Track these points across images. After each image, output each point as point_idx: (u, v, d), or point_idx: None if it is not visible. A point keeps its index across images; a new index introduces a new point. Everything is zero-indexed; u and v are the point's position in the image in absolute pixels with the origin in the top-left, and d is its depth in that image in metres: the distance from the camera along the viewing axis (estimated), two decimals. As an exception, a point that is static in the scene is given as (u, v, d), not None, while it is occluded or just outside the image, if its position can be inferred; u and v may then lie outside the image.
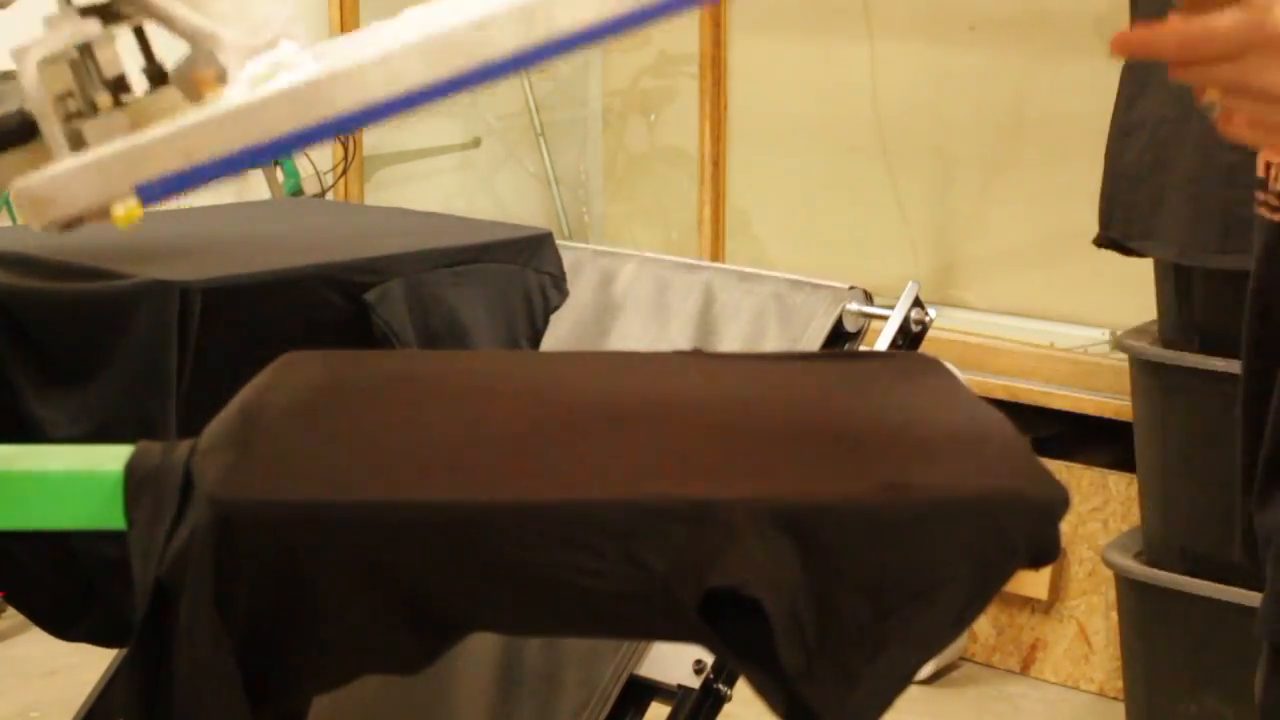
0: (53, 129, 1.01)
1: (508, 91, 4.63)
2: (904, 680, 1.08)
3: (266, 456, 1.10)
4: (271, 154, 0.94)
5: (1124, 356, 2.93)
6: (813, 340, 2.02)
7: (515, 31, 0.94)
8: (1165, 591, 2.79)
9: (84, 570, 1.30)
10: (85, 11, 1.01)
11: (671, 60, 4.54)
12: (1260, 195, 1.18)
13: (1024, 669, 3.41)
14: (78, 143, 1.02)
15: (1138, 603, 2.87)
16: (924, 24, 3.93)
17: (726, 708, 1.96)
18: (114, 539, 1.02)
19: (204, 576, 1.03)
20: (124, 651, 1.54)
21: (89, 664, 2.39)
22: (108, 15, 1.02)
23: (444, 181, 4.66)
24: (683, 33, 4.36)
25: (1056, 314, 3.70)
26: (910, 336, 1.93)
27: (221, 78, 1.02)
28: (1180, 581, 2.77)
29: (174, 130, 0.92)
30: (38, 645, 3.34)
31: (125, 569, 1.06)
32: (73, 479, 1.06)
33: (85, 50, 1.03)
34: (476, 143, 4.68)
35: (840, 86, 4.07)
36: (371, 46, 1.02)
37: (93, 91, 1.03)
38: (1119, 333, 3.02)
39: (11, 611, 3.06)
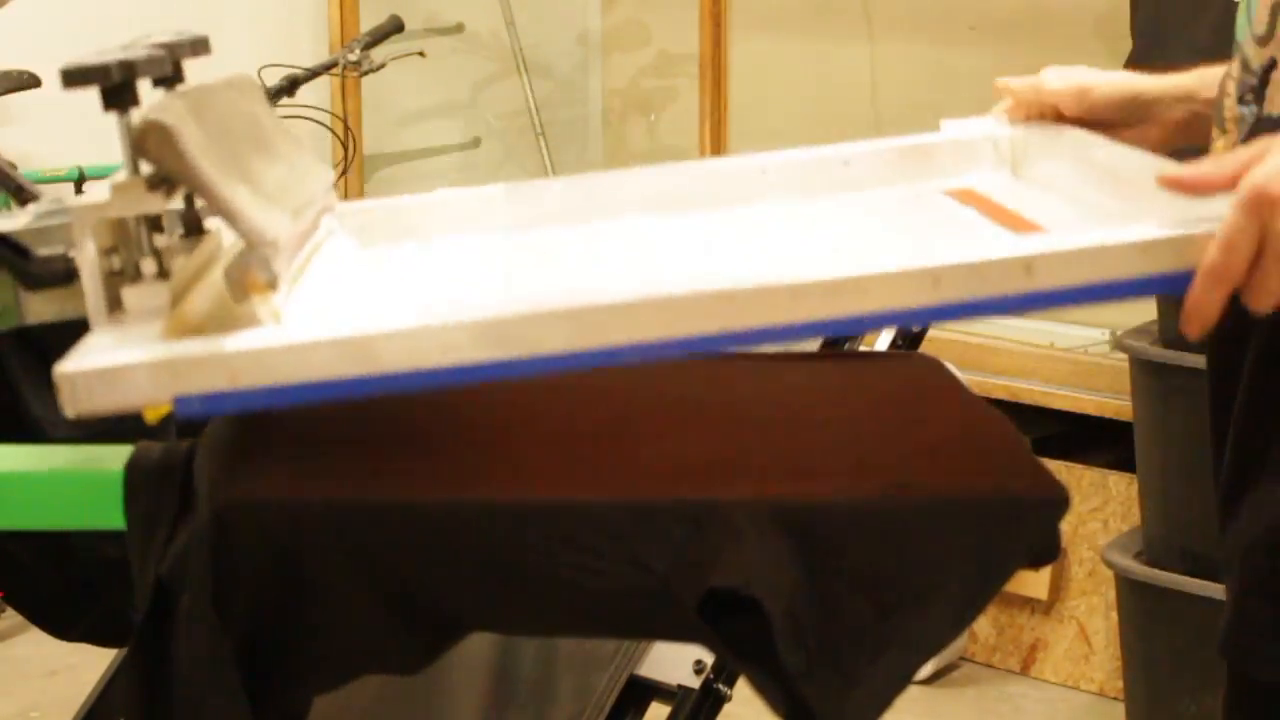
0: (93, 287, 1.03)
1: (508, 91, 4.63)
2: (904, 680, 1.08)
3: (266, 456, 1.10)
4: (311, 395, 0.94)
5: (1124, 356, 2.93)
6: (812, 340, 2.02)
7: (567, 334, 0.94)
8: (1165, 591, 2.79)
9: (84, 570, 1.30)
10: (153, 184, 1.03)
11: (671, 60, 4.53)
12: None
13: (1024, 669, 3.41)
14: (114, 304, 1.04)
15: (1138, 603, 2.87)
16: (924, 24, 3.92)
17: (726, 708, 1.96)
18: (114, 539, 1.02)
19: (204, 576, 1.03)
20: (124, 651, 1.54)
21: (89, 664, 2.39)
22: (169, 187, 1.04)
23: (444, 181, 4.65)
24: (682, 33, 4.36)
25: (1056, 314, 3.70)
26: (910, 336, 1.92)
27: (273, 284, 1.03)
28: (1180, 581, 2.76)
29: (224, 351, 0.93)
30: (38, 645, 3.34)
31: (125, 569, 1.06)
32: (73, 479, 1.06)
33: (141, 218, 1.05)
34: (476, 143, 4.68)
35: (840, 86, 4.07)
36: (427, 289, 1.03)
37: (138, 255, 1.05)
38: (1119, 333, 3.02)
39: (11, 611, 3.06)
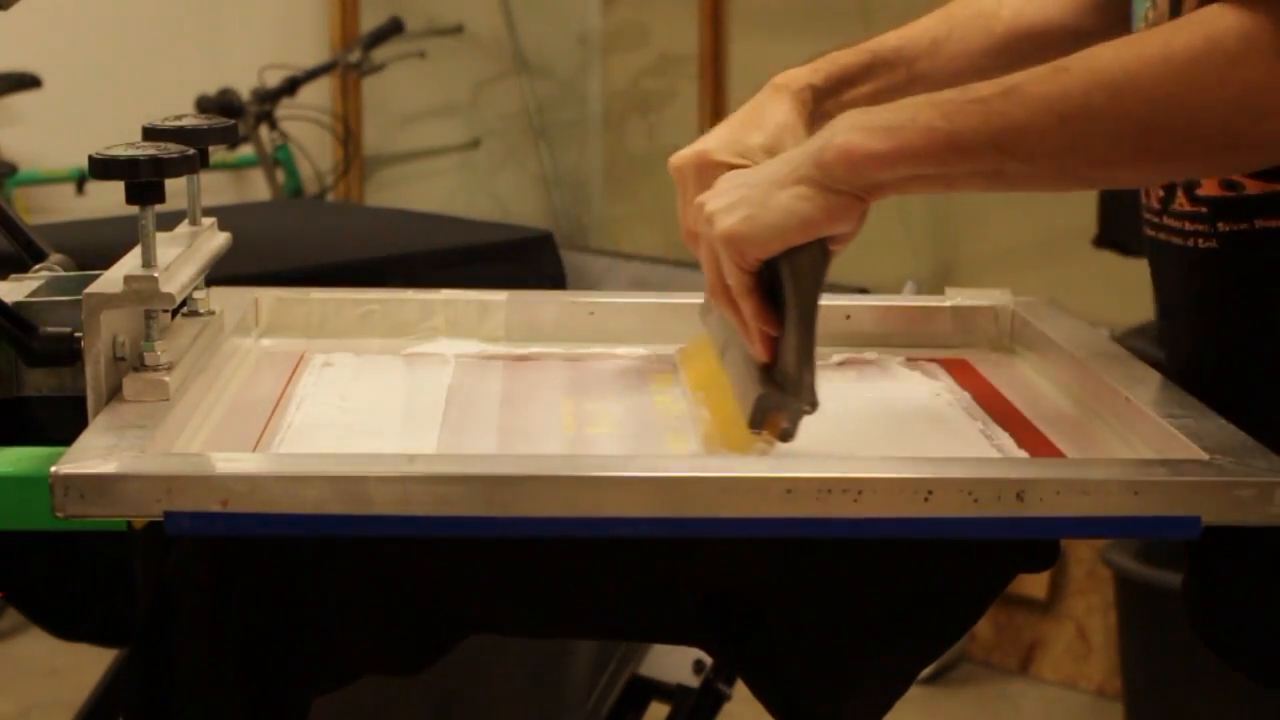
0: (96, 377, 1.05)
1: (508, 92, 4.63)
2: (903, 685, 1.08)
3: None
4: (301, 527, 0.95)
5: (1123, 357, 2.93)
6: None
7: (563, 501, 0.95)
8: (1164, 591, 2.78)
9: (84, 570, 1.30)
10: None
11: (671, 61, 4.54)
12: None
13: (1023, 669, 3.41)
14: (113, 391, 1.06)
15: (1137, 602, 2.87)
16: (923, 24, 3.92)
17: (726, 708, 1.96)
18: (114, 539, 1.02)
19: (205, 577, 1.03)
20: (124, 651, 1.54)
21: (89, 664, 2.39)
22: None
23: (444, 182, 4.66)
24: (682, 33, 4.37)
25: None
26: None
27: (786, 439, 1.06)
28: (1179, 581, 2.76)
29: (219, 474, 0.94)
30: (38, 645, 3.34)
31: (125, 569, 1.06)
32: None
33: (151, 313, 1.07)
34: (476, 143, 4.68)
35: (840, 87, 4.07)
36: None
37: (142, 344, 1.07)
38: (1118, 333, 3.02)
39: (12, 611, 3.06)
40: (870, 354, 1.33)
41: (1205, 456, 1.00)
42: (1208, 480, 0.97)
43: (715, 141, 1.19)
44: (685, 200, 1.17)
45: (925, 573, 1.04)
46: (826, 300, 1.37)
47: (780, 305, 1.08)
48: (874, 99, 1.24)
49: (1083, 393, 1.19)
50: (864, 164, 1.03)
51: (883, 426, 1.18)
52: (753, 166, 1.13)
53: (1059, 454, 1.10)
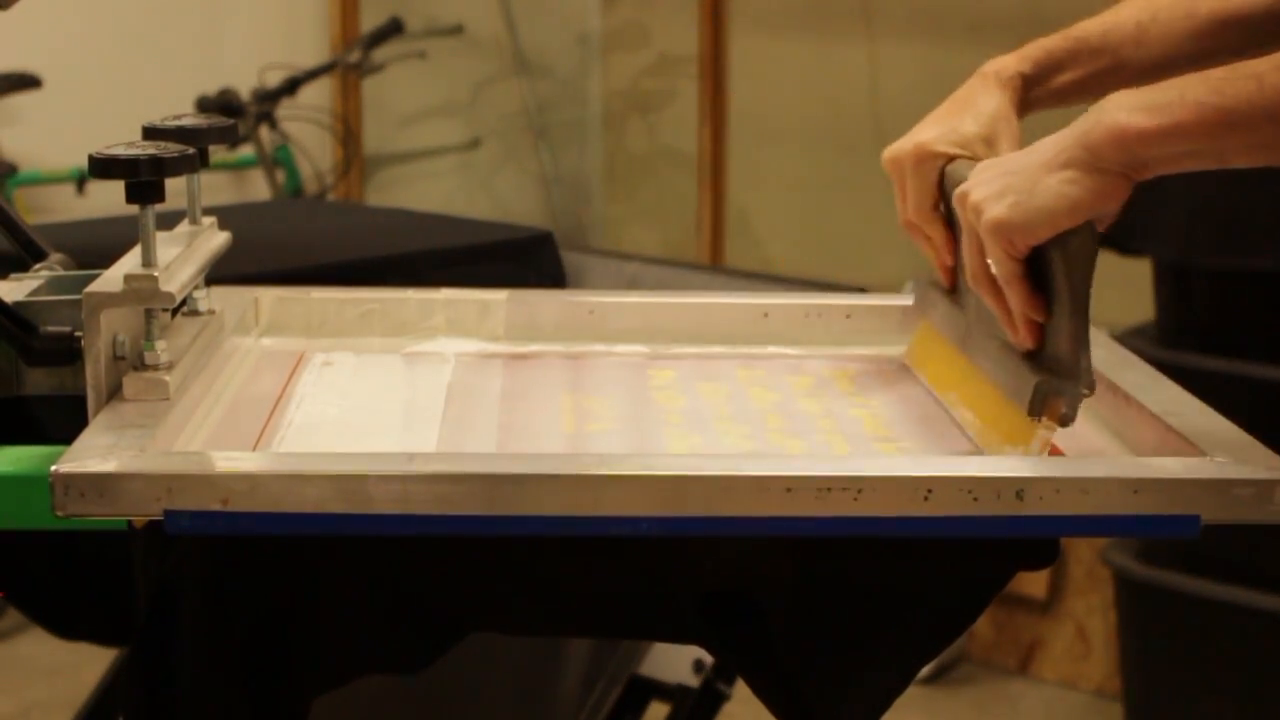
0: (96, 376, 1.05)
1: (508, 92, 4.63)
2: (902, 682, 1.08)
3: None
4: (301, 526, 0.95)
5: (1123, 356, 2.93)
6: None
7: (562, 500, 0.95)
8: (1164, 591, 2.79)
9: (84, 570, 1.30)
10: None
11: (671, 61, 4.54)
12: None
13: (1022, 668, 3.41)
14: (113, 390, 1.06)
15: (1136, 602, 2.87)
16: (924, 24, 3.93)
17: (726, 707, 1.96)
18: (114, 538, 1.03)
19: (205, 576, 1.03)
20: (124, 651, 1.54)
21: (89, 663, 2.39)
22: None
23: (444, 182, 4.66)
24: (682, 33, 4.37)
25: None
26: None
27: (1066, 424, 1.06)
28: (1179, 581, 2.77)
29: (219, 472, 0.95)
30: (38, 645, 3.34)
31: (126, 569, 1.06)
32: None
33: (151, 312, 1.07)
34: (476, 143, 4.68)
35: (839, 86, 4.07)
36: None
37: (143, 344, 1.07)
38: (1117, 333, 3.02)
39: (12, 611, 3.06)
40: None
41: (1204, 455, 1.00)
42: (1207, 478, 0.97)
43: (931, 133, 1.21)
44: (902, 192, 1.21)
45: (925, 571, 1.04)
46: (827, 300, 1.38)
47: (1044, 290, 1.08)
48: (1082, 85, 1.26)
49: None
50: (1134, 142, 1.04)
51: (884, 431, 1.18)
52: (1002, 156, 1.13)
53: (1058, 453, 1.10)
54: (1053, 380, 1.06)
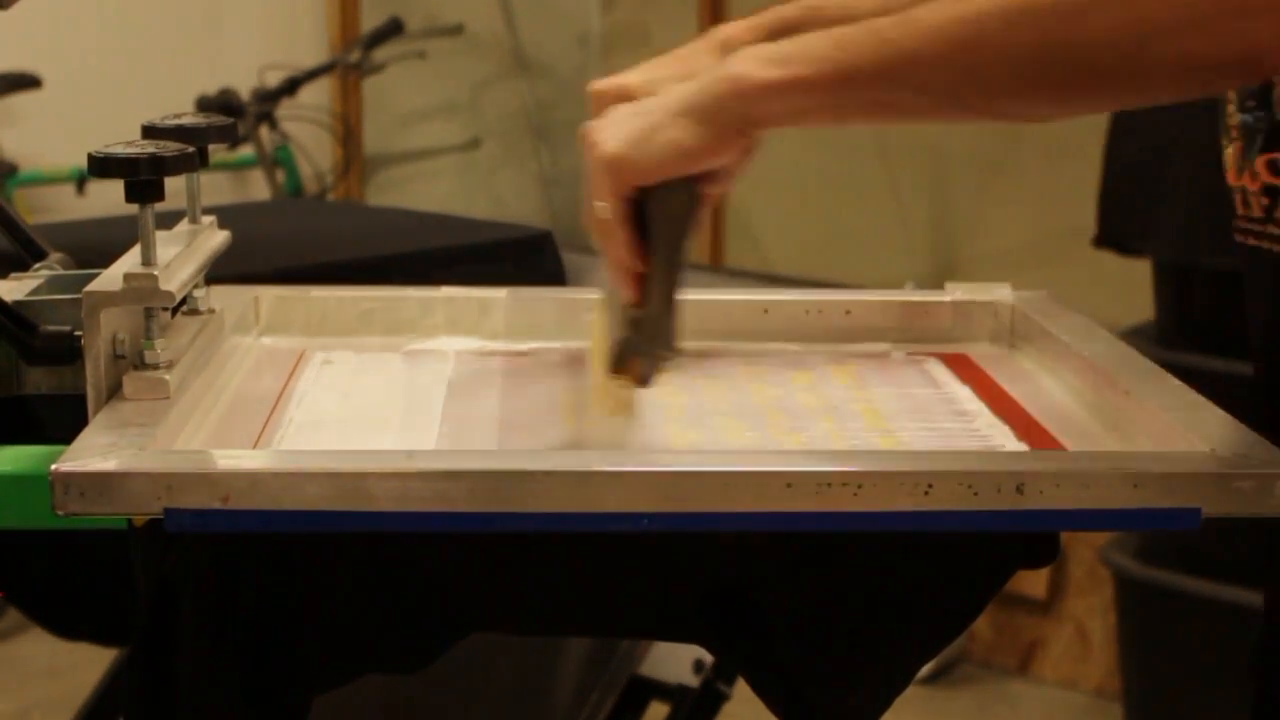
0: (96, 376, 1.05)
1: (508, 91, 4.63)
2: (903, 681, 1.08)
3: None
4: (302, 524, 0.94)
5: (1123, 356, 2.93)
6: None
7: (562, 497, 0.95)
8: (1164, 591, 2.79)
9: (84, 569, 1.30)
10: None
11: (671, 61, 4.53)
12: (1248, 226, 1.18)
13: (1022, 668, 3.41)
14: (113, 389, 1.05)
15: (1136, 602, 2.87)
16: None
17: (726, 707, 1.96)
18: (114, 537, 1.03)
19: (206, 574, 1.03)
20: (124, 651, 1.54)
21: (89, 663, 2.39)
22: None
23: (444, 182, 4.66)
24: (682, 33, 4.36)
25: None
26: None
27: (644, 383, 1.07)
28: (1179, 581, 2.77)
29: (220, 470, 0.94)
30: (38, 645, 3.34)
31: (125, 569, 1.06)
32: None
33: (151, 311, 1.07)
34: (476, 143, 4.68)
35: (840, 87, 4.07)
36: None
37: (142, 342, 1.07)
38: (1118, 332, 3.02)
39: (12, 611, 3.06)
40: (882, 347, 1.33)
41: (1205, 449, 1.00)
42: (1208, 472, 0.97)
43: (637, 77, 1.18)
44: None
45: (925, 568, 1.04)
46: (827, 296, 1.38)
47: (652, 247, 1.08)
48: None
49: (1083, 386, 1.19)
50: (753, 94, 1.02)
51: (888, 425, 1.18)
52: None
53: (1059, 447, 1.10)
54: (634, 339, 1.06)
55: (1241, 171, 1.17)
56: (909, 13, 1.00)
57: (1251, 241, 1.17)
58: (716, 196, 1.10)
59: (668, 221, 1.05)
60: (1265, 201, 1.14)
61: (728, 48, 1.17)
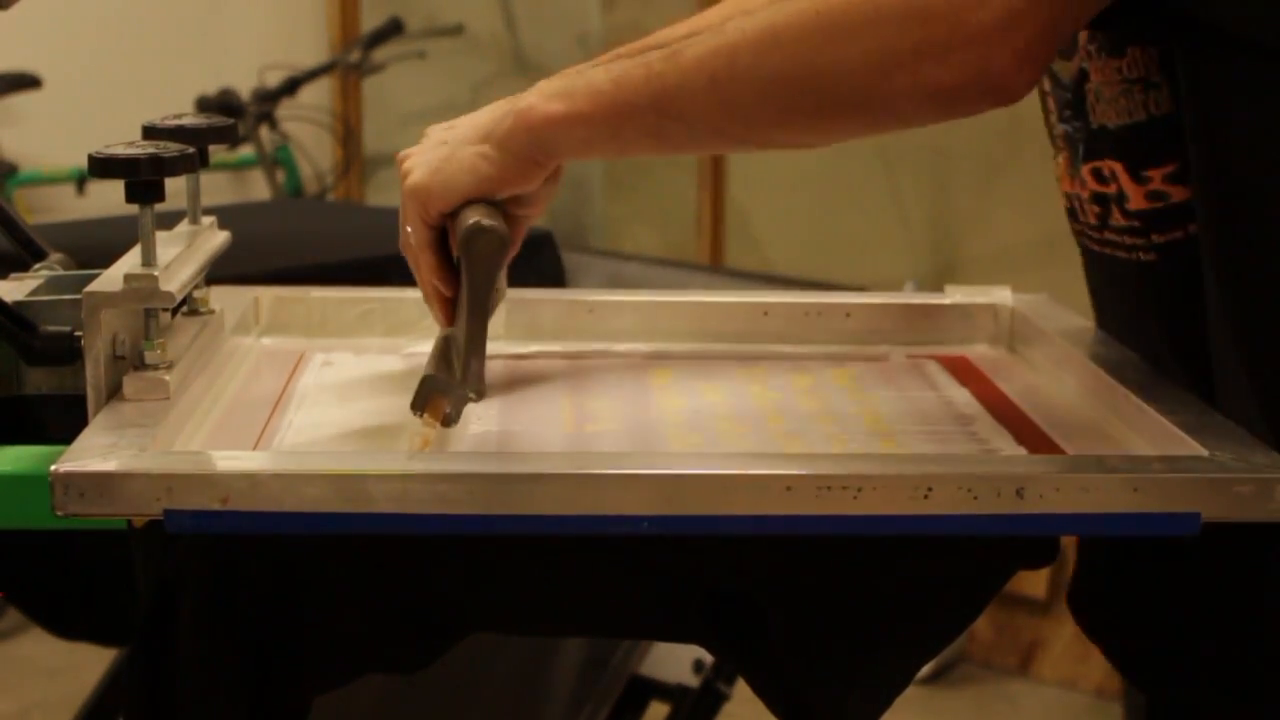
0: (96, 376, 1.05)
1: (508, 91, 4.62)
2: (903, 681, 1.08)
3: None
4: (301, 525, 0.94)
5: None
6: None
7: (563, 499, 0.95)
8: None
9: (84, 570, 1.30)
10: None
11: (671, 60, 4.53)
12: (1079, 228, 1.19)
13: (1023, 668, 3.41)
14: (113, 390, 1.05)
15: (1137, 602, 2.87)
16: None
17: (726, 708, 1.97)
18: (114, 538, 1.03)
19: (205, 576, 1.03)
20: (124, 651, 1.54)
21: (90, 663, 2.39)
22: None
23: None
24: (682, 33, 4.36)
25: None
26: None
27: (448, 424, 1.07)
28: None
29: (219, 472, 0.94)
30: (38, 645, 3.34)
31: (125, 569, 1.06)
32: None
33: (151, 312, 1.07)
34: (476, 143, 4.68)
35: (840, 87, 4.07)
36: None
37: (142, 343, 1.07)
38: (1118, 333, 3.02)
39: (12, 611, 3.06)
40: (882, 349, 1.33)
41: (1205, 453, 1.00)
42: (1207, 477, 0.97)
43: (463, 118, 1.19)
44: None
45: (925, 569, 1.04)
46: (827, 299, 1.38)
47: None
48: None
49: (1082, 389, 1.19)
50: (539, 127, 1.05)
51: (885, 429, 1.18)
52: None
53: (1058, 451, 1.10)
54: (439, 379, 1.07)
55: (1072, 180, 1.17)
56: (675, 46, 1.02)
57: (1094, 248, 1.18)
58: (527, 221, 1.14)
59: (472, 265, 1.06)
60: (1097, 209, 1.15)
61: None
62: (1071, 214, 1.20)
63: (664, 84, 1.02)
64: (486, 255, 1.06)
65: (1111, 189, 1.13)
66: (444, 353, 1.11)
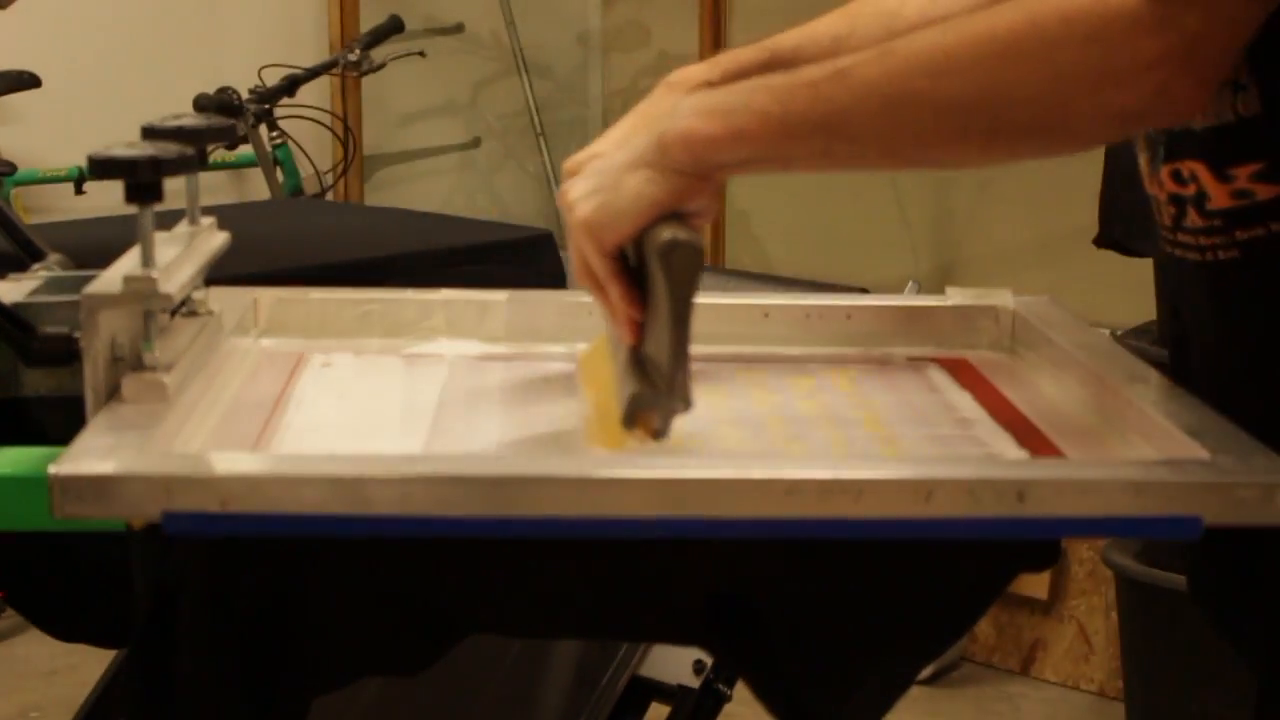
0: (95, 377, 1.05)
1: (508, 91, 4.63)
2: (903, 684, 1.08)
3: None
4: (300, 527, 0.94)
5: (1124, 356, 2.93)
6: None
7: (565, 501, 0.95)
8: (1165, 591, 2.79)
9: (84, 570, 1.30)
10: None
11: (671, 60, 4.53)
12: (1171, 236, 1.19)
13: (1024, 669, 3.41)
14: (111, 391, 1.05)
15: (1138, 603, 2.87)
16: (924, 24, 3.92)
17: (726, 708, 1.96)
18: (114, 539, 1.02)
19: (205, 577, 1.03)
20: (124, 651, 1.54)
21: (89, 664, 2.39)
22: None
23: (444, 181, 4.66)
24: (682, 33, 4.36)
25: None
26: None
27: (658, 438, 1.06)
28: (1180, 581, 2.75)
29: (217, 474, 0.94)
30: (38, 645, 3.34)
31: (125, 569, 1.06)
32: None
33: (150, 313, 1.07)
34: (476, 143, 4.68)
35: (840, 86, 4.07)
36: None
37: (141, 344, 1.07)
38: (1119, 333, 3.02)
39: (11, 611, 3.06)
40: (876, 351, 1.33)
41: (1207, 456, 0.99)
42: (1209, 480, 0.97)
43: (607, 144, 1.20)
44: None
45: (926, 572, 1.04)
46: (828, 300, 1.37)
47: (646, 289, 1.09)
48: None
49: (1083, 393, 1.19)
50: (701, 147, 1.05)
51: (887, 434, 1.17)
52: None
53: (1060, 454, 1.10)
54: (648, 394, 1.07)
55: (1150, 181, 1.18)
56: (841, 66, 1.03)
57: (1166, 249, 1.18)
58: (701, 227, 1.12)
59: (671, 278, 1.05)
60: (1172, 210, 1.15)
61: (686, 90, 1.20)
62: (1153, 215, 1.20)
63: (833, 106, 1.02)
64: (686, 268, 1.05)
65: (1189, 190, 1.13)
66: (633, 367, 1.10)
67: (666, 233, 1.06)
